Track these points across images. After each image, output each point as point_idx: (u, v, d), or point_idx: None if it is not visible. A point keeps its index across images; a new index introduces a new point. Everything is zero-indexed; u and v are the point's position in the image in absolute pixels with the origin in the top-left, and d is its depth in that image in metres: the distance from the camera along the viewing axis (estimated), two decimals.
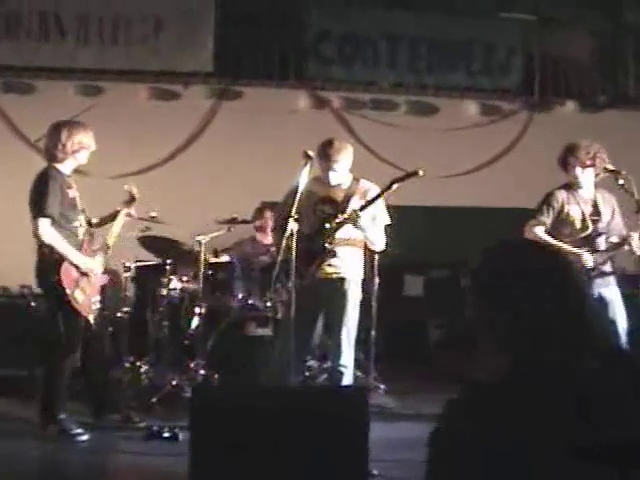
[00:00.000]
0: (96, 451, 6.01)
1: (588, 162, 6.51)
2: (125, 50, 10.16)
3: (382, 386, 7.73)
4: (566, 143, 6.65)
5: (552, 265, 2.05)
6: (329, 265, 6.34)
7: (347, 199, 6.38)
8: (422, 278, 10.16)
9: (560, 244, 6.39)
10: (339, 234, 6.30)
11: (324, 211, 6.38)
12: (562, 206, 6.58)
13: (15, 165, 9.45)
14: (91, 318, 6.23)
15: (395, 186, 6.14)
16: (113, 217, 6.61)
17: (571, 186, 6.62)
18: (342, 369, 6.35)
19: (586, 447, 1.82)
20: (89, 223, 6.44)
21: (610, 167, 6.52)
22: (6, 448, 5.87)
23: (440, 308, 9.38)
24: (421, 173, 6.20)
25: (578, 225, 6.58)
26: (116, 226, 6.56)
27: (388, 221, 6.49)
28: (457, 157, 10.45)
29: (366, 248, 6.54)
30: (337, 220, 6.27)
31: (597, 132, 10.02)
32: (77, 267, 6.14)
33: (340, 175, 6.42)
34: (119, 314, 7.67)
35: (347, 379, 6.37)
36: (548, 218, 6.55)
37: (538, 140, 10.55)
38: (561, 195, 6.60)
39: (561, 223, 6.57)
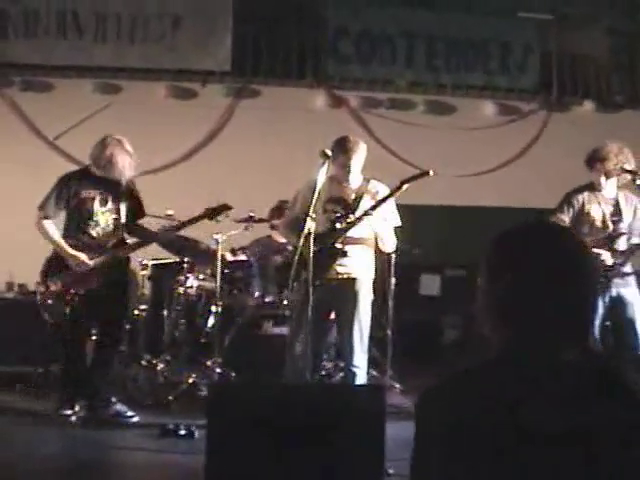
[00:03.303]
0: (111, 447, 6.03)
1: (614, 173, 6.51)
2: (142, 48, 10.19)
3: (398, 385, 7.72)
4: (597, 146, 6.59)
5: (565, 251, 2.03)
6: (340, 265, 6.27)
7: (358, 199, 6.33)
8: (438, 277, 10.14)
9: None
10: (350, 234, 6.24)
11: (334, 211, 6.33)
12: (582, 205, 6.57)
13: (33, 163, 9.49)
14: (67, 308, 6.38)
15: (405, 186, 6.07)
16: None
17: (593, 186, 6.62)
18: (355, 369, 6.30)
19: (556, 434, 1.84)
20: (116, 226, 6.62)
21: (628, 167, 6.50)
22: (21, 445, 5.90)
23: (456, 308, 9.36)
24: (431, 173, 6.15)
25: (598, 225, 6.57)
26: None
27: (398, 222, 6.43)
28: (474, 157, 10.43)
29: (377, 248, 6.48)
30: (348, 220, 6.22)
31: (614, 132, 10.01)
32: (64, 258, 6.44)
33: (355, 172, 6.35)
34: (136, 312, 7.69)
35: (360, 379, 6.33)
36: (567, 216, 6.54)
37: (556, 140, 10.53)
38: (582, 195, 6.60)
39: (581, 222, 6.56)
